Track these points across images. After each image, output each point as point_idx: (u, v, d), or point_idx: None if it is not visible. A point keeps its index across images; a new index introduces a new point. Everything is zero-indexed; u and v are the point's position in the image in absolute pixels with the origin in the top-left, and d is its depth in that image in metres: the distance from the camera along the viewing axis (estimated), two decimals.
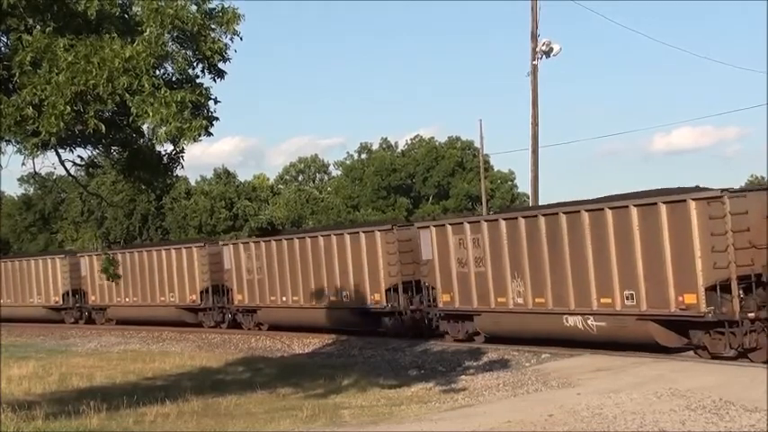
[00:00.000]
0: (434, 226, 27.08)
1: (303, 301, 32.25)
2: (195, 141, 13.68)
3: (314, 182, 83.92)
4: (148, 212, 66.28)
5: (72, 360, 28.59)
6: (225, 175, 72.89)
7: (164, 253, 38.71)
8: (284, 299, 32.95)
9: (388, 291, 28.66)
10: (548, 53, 33.68)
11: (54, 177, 50.07)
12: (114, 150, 16.18)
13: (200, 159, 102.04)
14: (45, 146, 14.10)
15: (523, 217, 24.13)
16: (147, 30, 13.05)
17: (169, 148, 15.49)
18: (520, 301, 24.12)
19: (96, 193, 42.95)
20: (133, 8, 13.87)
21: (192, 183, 71.73)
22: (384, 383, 20.19)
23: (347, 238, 30.24)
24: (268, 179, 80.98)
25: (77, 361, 28.27)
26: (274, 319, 33.81)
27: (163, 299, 38.43)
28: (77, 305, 43.64)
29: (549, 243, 23.16)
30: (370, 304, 29.33)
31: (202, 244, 37.57)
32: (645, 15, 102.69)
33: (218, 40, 14.11)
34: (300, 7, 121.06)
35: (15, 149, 14.42)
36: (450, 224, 26.63)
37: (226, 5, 14.38)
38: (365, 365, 24.61)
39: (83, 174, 24.79)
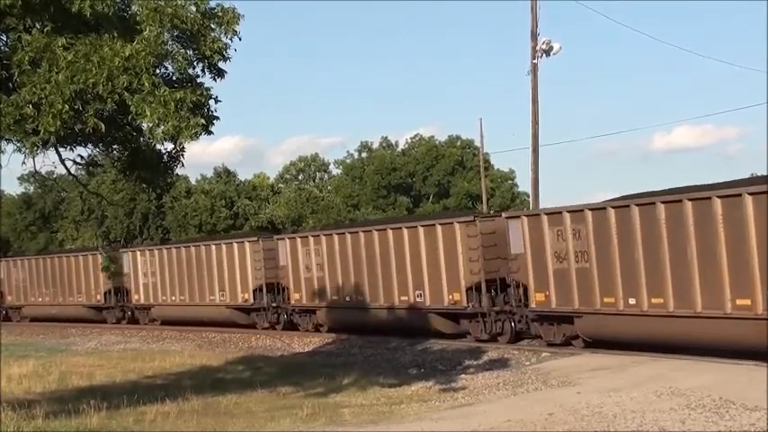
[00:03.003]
0: None
1: (647, 304, 20.92)
2: (193, 140, 13.69)
3: (314, 181, 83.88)
4: (149, 211, 66.26)
5: (72, 359, 28.59)
6: (225, 174, 72.91)
7: (405, 232, 27.94)
8: (621, 300, 21.54)
9: None
10: (548, 52, 33.70)
11: (54, 176, 50.23)
12: (114, 149, 16.18)
13: (200, 158, 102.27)
14: (44, 144, 14.10)
15: None
16: (147, 29, 13.05)
17: (169, 146, 15.52)
18: None
19: (96, 192, 42.99)
20: (132, 7, 13.85)
21: (193, 182, 71.75)
22: (384, 382, 20.20)
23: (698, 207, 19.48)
24: (268, 178, 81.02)
25: (77, 360, 28.27)
26: (614, 332, 22.00)
27: (405, 298, 28.04)
28: (273, 305, 33.84)
29: None
30: (733, 310, 18.94)
31: (471, 218, 26.58)
32: (645, 15, 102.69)
33: (218, 39, 14.11)
34: (300, 7, 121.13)
35: (15, 148, 14.41)
36: None
37: (225, 5, 14.40)
38: (365, 364, 24.62)
39: (83, 173, 24.88)
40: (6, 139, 14.20)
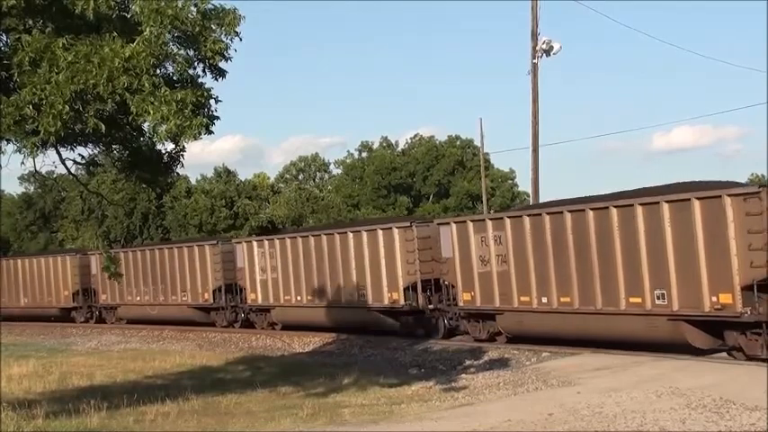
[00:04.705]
0: None
1: None
2: (196, 139, 13.70)
3: (314, 180, 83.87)
4: (149, 211, 66.24)
5: (72, 359, 28.59)
6: (225, 174, 72.88)
7: (640, 210, 20.95)
8: None
9: None
10: (548, 52, 33.72)
11: (54, 176, 50.31)
12: (115, 149, 16.18)
13: (200, 158, 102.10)
14: (44, 145, 14.10)
15: None
16: (147, 29, 13.05)
17: (170, 146, 15.53)
18: None
19: (97, 192, 42.71)
20: (132, 8, 13.84)
21: (193, 181, 71.75)
22: (384, 382, 20.19)
23: None
24: (268, 178, 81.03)
25: (78, 360, 28.28)
26: None
27: (636, 300, 21.24)
28: (430, 306, 27.61)
29: None
30: None
31: (755, 188, 19.36)
32: (645, 14, 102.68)
33: (219, 40, 14.10)
34: (301, 6, 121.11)
35: (15, 149, 14.41)
36: None
37: (226, 6, 14.39)
38: (365, 364, 24.62)
39: (83, 172, 24.82)
40: (6, 140, 14.21)
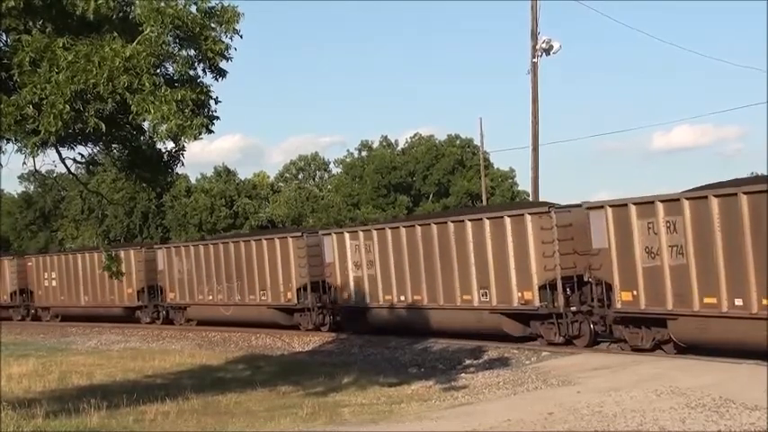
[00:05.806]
0: None
1: None
2: (196, 139, 13.73)
3: (314, 180, 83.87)
4: (149, 210, 66.32)
5: (72, 358, 28.58)
6: (225, 173, 72.96)
7: None
8: None
9: None
10: (547, 51, 33.76)
11: (54, 175, 50.32)
12: (115, 148, 16.18)
13: (200, 157, 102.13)
14: (45, 144, 14.11)
15: None
16: (148, 29, 13.06)
17: (170, 145, 15.54)
18: None
19: (97, 191, 42.62)
20: (133, 8, 13.85)
21: (193, 181, 71.86)
22: (384, 381, 20.19)
23: None
24: (268, 177, 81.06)
25: (77, 359, 28.27)
26: None
27: None
28: (572, 308, 23.08)
29: None
30: None
31: None
32: (645, 14, 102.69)
33: (220, 41, 14.11)
34: (301, 6, 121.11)
35: (16, 148, 14.42)
36: None
37: (226, 4, 14.41)
38: (365, 363, 24.61)
39: (83, 172, 24.84)
40: (7, 140, 14.22)
